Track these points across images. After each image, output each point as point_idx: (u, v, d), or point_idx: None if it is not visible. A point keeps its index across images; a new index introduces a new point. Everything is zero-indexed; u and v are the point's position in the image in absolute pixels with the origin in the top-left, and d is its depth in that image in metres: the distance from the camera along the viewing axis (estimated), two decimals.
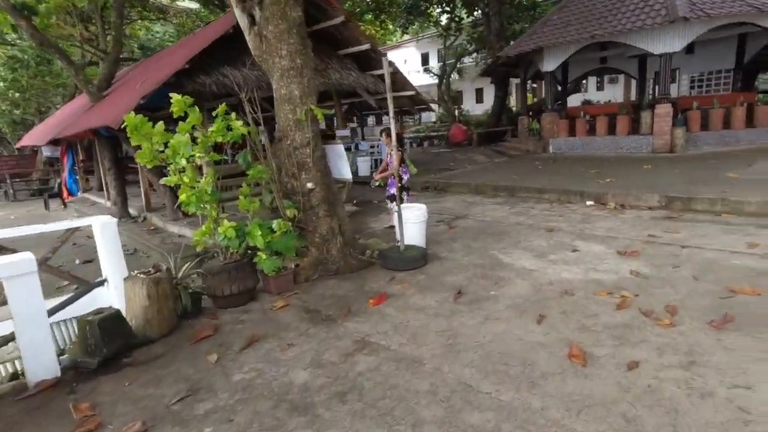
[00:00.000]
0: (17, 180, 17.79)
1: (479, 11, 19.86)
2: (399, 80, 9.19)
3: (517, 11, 19.71)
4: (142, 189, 9.92)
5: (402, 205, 5.52)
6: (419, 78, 33.06)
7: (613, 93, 25.12)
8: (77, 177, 15.25)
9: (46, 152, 16.84)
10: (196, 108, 3.99)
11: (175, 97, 3.81)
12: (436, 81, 25.56)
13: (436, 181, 10.12)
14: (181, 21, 23.05)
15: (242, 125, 4.07)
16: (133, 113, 3.60)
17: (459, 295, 4.02)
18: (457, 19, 21.40)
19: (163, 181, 3.99)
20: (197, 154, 3.87)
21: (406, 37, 37.54)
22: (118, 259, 4.54)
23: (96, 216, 5.16)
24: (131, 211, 10.47)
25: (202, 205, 3.98)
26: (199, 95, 6.45)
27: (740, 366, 2.61)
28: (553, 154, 13.20)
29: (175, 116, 3.85)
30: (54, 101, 24.89)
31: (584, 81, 23.25)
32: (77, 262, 7.16)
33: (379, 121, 35.29)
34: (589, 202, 7.33)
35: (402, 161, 6.36)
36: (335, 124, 9.11)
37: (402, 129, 17.25)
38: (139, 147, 3.79)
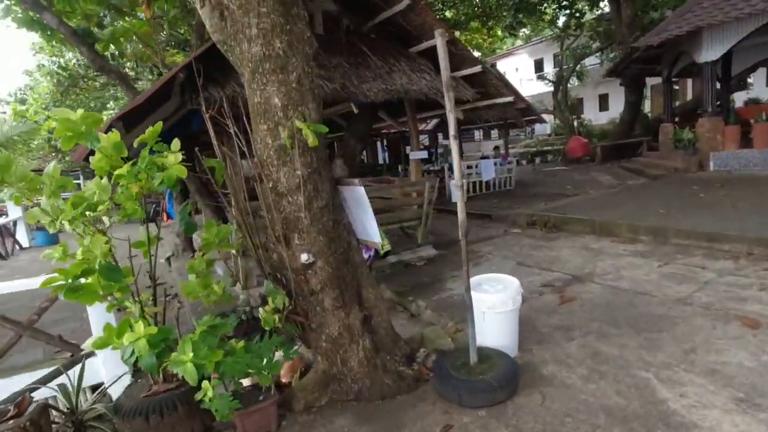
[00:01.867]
0: None
1: (605, 1, 16.58)
2: (493, 83, 7.02)
3: None
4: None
5: (478, 278, 3.41)
6: (532, 86, 29.91)
7: None
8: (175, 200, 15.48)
9: None
10: (114, 134, 2.41)
11: (60, 115, 2.25)
12: (552, 88, 22.37)
13: (546, 215, 7.61)
14: None
15: (180, 163, 2.38)
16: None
17: None
18: (577, 14, 18.25)
19: (44, 255, 2.45)
20: (91, 214, 2.26)
21: (518, 43, 34.62)
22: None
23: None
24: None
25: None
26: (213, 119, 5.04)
27: None
28: (717, 174, 9.71)
29: (64, 148, 2.30)
30: None
31: (750, 75, 18.26)
32: None
33: (486, 135, 32.62)
34: None
35: None
36: (411, 145, 7.22)
37: (506, 146, 14.72)
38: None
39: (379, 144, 21.49)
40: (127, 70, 15.41)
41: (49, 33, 8.72)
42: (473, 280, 3.33)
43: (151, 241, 2.60)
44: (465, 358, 2.99)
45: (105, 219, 2.39)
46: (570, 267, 5.25)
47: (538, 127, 25.72)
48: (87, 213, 2.25)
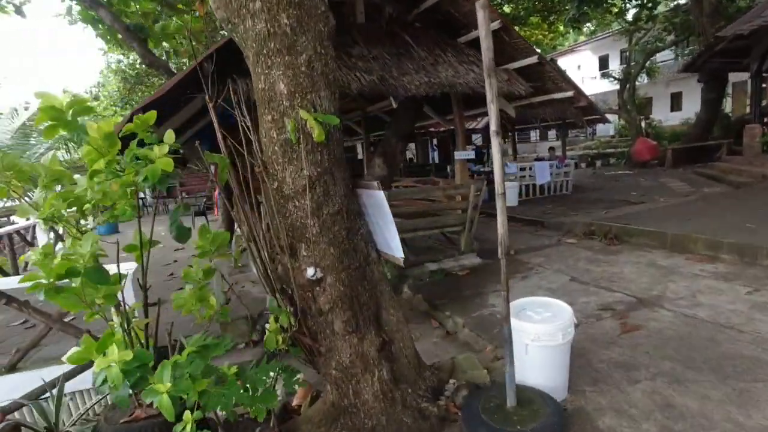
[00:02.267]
0: (186, 196, 19.49)
1: None
2: (551, 76, 6.33)
3: None
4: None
5: (522, 302, 2.89)
6: (596, 85, 28.18)
7: None
8: None
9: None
10: (106, 123, 2.13)
11: (42, 100, 1.99)
12: (617, 87, 20.79)
13: (607, 224, 6.83)
14: None
15: (167, 156, 2.06)
16: None
17: None
18: (649, 5, 16.75)
19: (21, 258, 2.20)
20: (66, 212, 1.99)
21: (581, 38, 32.76)
22: None
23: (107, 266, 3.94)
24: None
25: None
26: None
27: None
28: None
29: (45, 138, 2.05)
30: None
31: None
32: None
33: (543, 136, 31.07)
34: None
35: None
36: (456, 144, 6.69)
37: (564, 147, 13.64)
38: None
39: (429, 143, 20.96)
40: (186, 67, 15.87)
41: (106, 27, 8.96)
42: (516, 303, 2.81)
43: (144, 244, 2.31)
44: (501, 398, 2.50)
45: (90, 219, 2.13)
46: (634, 287, 4.55)
47: (600, 127, 24.16)
48: (64, 212, 1.98)
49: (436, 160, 20.04)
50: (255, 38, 2.14)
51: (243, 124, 2.51)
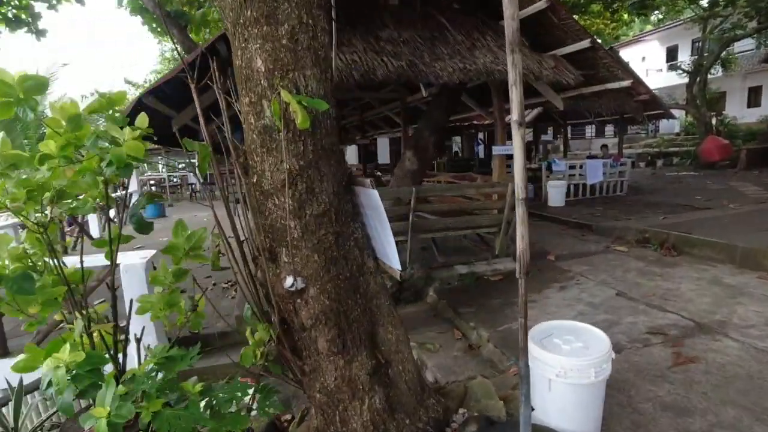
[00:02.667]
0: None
1: None
2: (605, 63, 5.61)
3: None
4: None
5: (548, 325, 2.46)
6: (661, 78, 26.19)
7: None
8: None
9: None
10: (71, 105, 1.91)
11: None
12: (686, 80, 19.05)
13: (664, 232, 6.08)
14: None
15: (138, 142, 1.80)
16: None
17: None
18: None
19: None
20: (10, 203, 1.77)
21: (647, 28, 30.50)
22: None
23: (125, 253, 3.90)
24: None
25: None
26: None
27: None
28: None
29: None
30: None
31: None
32: None
33: (599, 132, 29.26)
34: None
35: None
36: (495, 138, 6.16)
37: (621, 144, 12.55)
38: None
39: (476, 137, 20.22)
40: None
41: (152, 16, 9.09)
42: (540, 328, 2.38)
43: (114, 239, 2.08)
44: None
45: (48, 210, 1.91)
46: (692, 308, 3.92)
47: (663, 124, 22.43)
48: (7, 202, 1.76)
49: (481, 155, 19.31)
50: (232, 5, 1.82)
51: (233, 107, 2.23)
